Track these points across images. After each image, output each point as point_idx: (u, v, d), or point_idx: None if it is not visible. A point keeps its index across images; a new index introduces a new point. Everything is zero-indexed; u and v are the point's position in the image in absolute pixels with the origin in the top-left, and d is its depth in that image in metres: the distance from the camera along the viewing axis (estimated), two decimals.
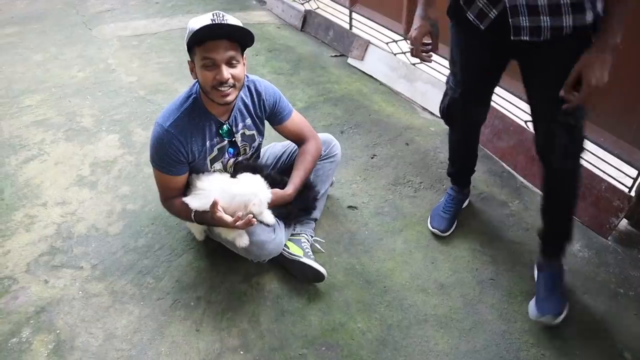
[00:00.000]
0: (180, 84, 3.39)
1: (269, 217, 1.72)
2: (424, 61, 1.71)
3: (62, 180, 2.51)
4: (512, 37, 1.42)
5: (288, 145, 2.04)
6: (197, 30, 1.47)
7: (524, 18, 1.38)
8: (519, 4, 1.36)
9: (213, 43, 1.51)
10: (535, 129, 1.63)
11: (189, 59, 1.62)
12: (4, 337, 1.73)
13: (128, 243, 2.11)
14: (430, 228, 2.10)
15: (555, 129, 1.52)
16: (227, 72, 1.53)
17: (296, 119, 1.90)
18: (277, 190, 1.75)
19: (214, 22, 1.49)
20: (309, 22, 4.17)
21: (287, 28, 4.31)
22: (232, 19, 1.53)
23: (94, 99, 3.27)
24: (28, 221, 2.25)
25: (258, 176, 1.70)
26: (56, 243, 2.13)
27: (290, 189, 1.78)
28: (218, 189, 1.65)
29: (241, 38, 1.57)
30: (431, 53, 1.67)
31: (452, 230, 2.09)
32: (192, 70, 1.62)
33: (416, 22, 1.63)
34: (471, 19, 1.50)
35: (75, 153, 2.73)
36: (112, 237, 2.15)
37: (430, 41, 1.64)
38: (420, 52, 1.65)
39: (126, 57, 3.88)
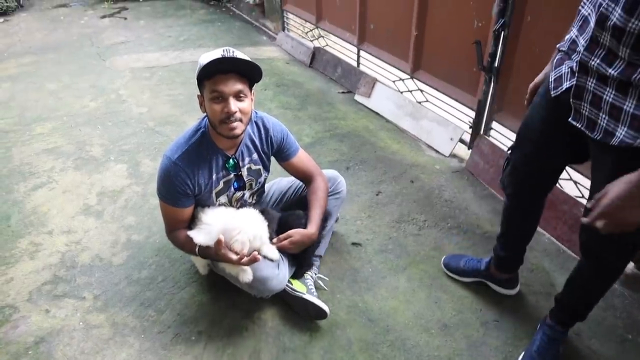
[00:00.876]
0: (189, 116, 3.45)
1: (273, 252, 1.73)
2: None
3: (68, 209, 2.53)
4: (569, 119, 1.30)
5: (294, 181, 2.06)
6: (206, 64, 1.51)
7: (585, 105, 1.23)
8: (587, 88, 1.21)
9: (222, 77, 1.55)
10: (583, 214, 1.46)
11: (199, 93, 1.66)
12: None
13: (131, 274, 2.11)
14: None
15: (593, 234, 1.38)
16: (235, 105, 1.56)
17: (302, 157, 1.93)
18: (301, 230, 1.77)
19: (223, 57, 1.53)
20: (317, 58, 4.26)
21: (296, 64, 4.40)
22: (241, 55, 1.58)
23: (104, 129, 3.33)
24: (33, 249, 2.26)
25: (252, 210, 1.71)
26: (60, 272, 2.13)
27: (314, 227, 1.79)
28: (217, 225, 1.67)
29: (249, 72, 1.61)
30: None
31: (462, 279, 2.05)
32: (202, 104, 1.66)
33: (539, 76, 1.56)
34: (550, 80, 1.38)
35: (83, 182, 2.76)
36: (115, 267, 2.15)
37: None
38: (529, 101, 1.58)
39: (137, 88, 3.97)
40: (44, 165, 2.92)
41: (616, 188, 1.09)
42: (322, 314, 1.83)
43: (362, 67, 3.84)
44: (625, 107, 1.13)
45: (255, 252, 1.57)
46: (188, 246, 1.72)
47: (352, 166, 2.84)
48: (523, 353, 1.73)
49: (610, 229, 1.11)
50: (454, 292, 2.00)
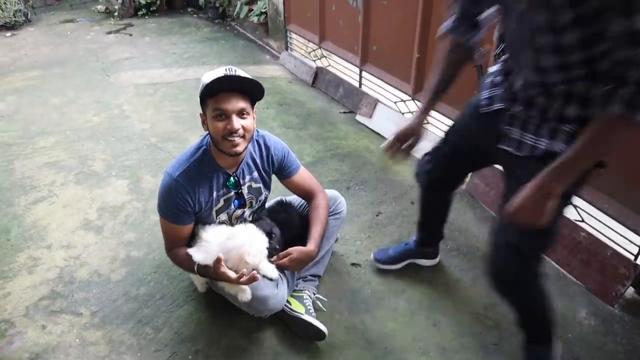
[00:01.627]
0: (191, 133, 3.47)
1: (272, 271, 1.72)
2: (394, 159, 1.68)
3: (68, 223, 2.53)
4: (498, 145, 1.42)
5: (294, 199, 2.06)
6: (209, 83, 1.53)
7: (516, 130, 1.37)
8: (517, 116, 1.36)
9: (225, 95, 1.57)
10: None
11: (201, 112, 1.68)
12: None
13: (129, 291, 2.10)
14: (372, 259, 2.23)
15: (493, 246, 1.53)
16: (237, 122, 1.58)
17: (303, 174, 1.94)
18: (300, 247, 1.76)
19: (226, 75, 1.55)
20: (319, 78, 4.30)
21: (298, 83, 4.44)
22: (243, 73, 1.60)
23: (106, 144, 3.35)
24: (31, 263, 2.26)
25: (250, 225, 1.71)
26: (57, 287, 2.12)
27: (312, 244, 1.78)
28: (216, 243, 1.67)
29: (252, 90, 1.63)
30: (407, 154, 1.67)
31: (395, 266, 2.20)
32: (204, 122, 1.68)
33: (407, 127, 1.64)
34: (481, 97, 1.51)
35: (84, 196, 2.76)
36: (114, 283, 2.14)
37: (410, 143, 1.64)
38: (395, 149, 1.66)
39: (141, 104, 4.00)
40: (45, 179, 2.93)
41: (521, 194, 1.25)
42: (320, 335, 1.82)
43: (364, 88, 3.87)
44: (547, 124, 1.29)
45: (254, 272, 1.57)
46: (187, 264, 1.71)
47: (353, 186, 2.84)
48: None
49: (524, 226, 1.27)
50: (453, 315, 1.99)
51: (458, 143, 1.69)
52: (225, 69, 1.58)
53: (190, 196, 1.67)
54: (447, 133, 1.74)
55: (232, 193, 1.79)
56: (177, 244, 1.76)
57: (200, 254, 1.68)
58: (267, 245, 1.67)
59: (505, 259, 1.48)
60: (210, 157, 1.70)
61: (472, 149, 1.65)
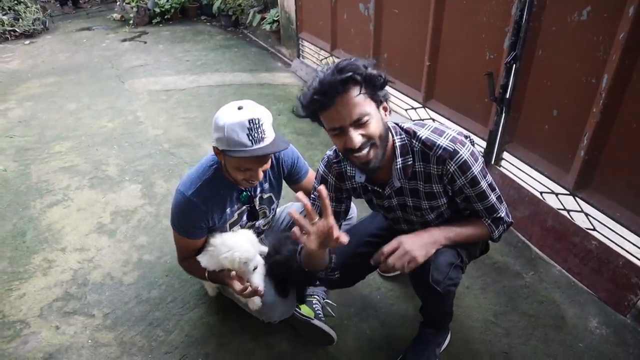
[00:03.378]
0: (203, 139, 3.51)
1: (260, 281, 1.73)
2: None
3: (82, 227, 2.58)
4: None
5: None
6: (235, 151, 1.48)
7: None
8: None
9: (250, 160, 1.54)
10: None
11: (214, 145, 1.59)
12: None
13: (141, 294, 2.13)
14: None
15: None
16: (260, 173, 1.59)
17: (312, 177, 1.95)
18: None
19: (251, 142, 1.46)
20: None
21: None
22: (268, 126, 1.51)
23: (120, 149, 3.40)
24: (46, 265, 2.30)
25: (246, 231, 1.73)
26: (71, 289, 2.16)
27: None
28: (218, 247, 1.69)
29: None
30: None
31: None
32: (217, 154, 1.61)
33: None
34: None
35: (97, 200, 2.81)
36: (126, 286, 2.17)
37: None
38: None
39: (154, 110, 4.06)
40: (60, 183, 2.98)
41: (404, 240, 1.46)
42: (329, 340, 1.83)
43: None
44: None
45: (257, 285, 1.60)
46: (198, 272, 1.74)
47: None
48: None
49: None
50: (462, 323, 1.99)
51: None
52: (249, 123, 1.45)
53: (204, 214, 1.67)
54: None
55: (245, 207, 1.81)
56: (190, 255, 1.78)
57: (205, 259, 1.70)
58: (257, 254, 1.68)
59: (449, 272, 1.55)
60: (222, 175, 1.69)
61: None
